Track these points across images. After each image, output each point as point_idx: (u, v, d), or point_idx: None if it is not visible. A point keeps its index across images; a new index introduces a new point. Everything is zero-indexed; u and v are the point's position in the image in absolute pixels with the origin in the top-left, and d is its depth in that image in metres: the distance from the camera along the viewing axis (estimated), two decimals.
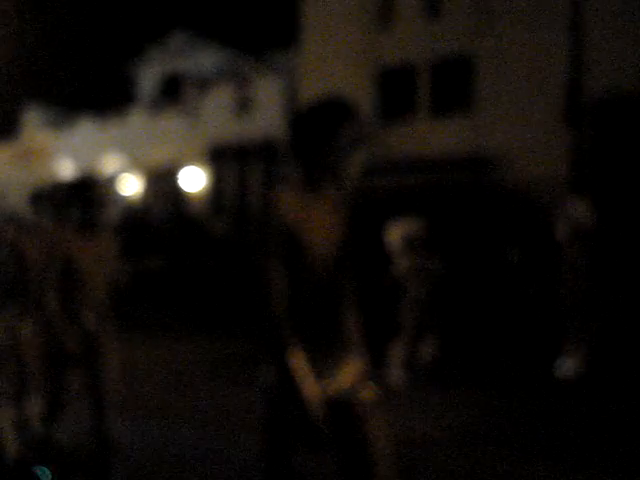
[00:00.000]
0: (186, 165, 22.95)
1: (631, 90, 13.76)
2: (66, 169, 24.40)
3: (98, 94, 29.18)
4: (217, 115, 22.13)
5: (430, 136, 16.26)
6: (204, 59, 25.89)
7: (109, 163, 25.57)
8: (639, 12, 13.94)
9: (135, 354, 8.34)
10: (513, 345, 9.14)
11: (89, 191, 3.99)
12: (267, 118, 20.67)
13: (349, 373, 2.59)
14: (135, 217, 21.11)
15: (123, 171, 25.06)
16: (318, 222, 2.59)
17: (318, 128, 2.60)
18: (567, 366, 7.42)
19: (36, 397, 4.75)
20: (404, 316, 7.71)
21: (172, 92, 25.07)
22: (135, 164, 24.24)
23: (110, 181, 25.41)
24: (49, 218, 6.95)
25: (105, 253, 4.12)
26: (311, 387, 2.44)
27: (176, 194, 23.69)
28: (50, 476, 4.55)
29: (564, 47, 14.31)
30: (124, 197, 23.76)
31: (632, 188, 13.56)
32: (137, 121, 25.00)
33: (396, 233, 7.76)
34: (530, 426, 5.89)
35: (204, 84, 23.09)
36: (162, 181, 24.25)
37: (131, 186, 24.69)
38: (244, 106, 21.65)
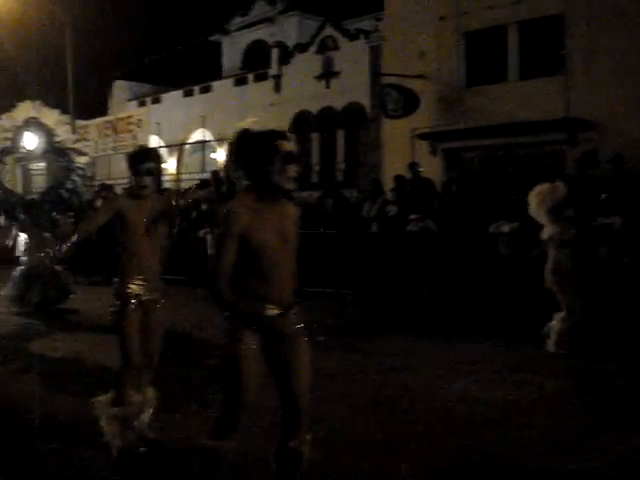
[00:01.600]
0: None
1: None
2: (153, 141, 24.81)
3: (183, 67, 29.55)
4: (303, 83, 22.09)
5: (520, 98, 15.84)
6: (288, 28, 25.90)
7: (195, 135, 25.93)
8: None
9: None
10: None
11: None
12: (352, 84, 20.54)
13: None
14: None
15: (209, 142, 25.37)
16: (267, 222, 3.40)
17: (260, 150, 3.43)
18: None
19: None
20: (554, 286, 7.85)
21: (257, 62, 25.17)
22: (221, 135, 24.48)
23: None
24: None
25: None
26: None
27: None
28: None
29: None
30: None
31: None
32: (223, 91, 25.22)
33: (539, 198, 7.76)
34: None
35: (289, 53, 23.06)
36: None
37: (217, 156, 24.97)
38: (328, 73, 21.56)
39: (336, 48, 21.56)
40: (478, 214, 11.87)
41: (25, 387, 6.52)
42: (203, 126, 25.53)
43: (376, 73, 19.44)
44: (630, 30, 14.41)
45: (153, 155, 5.34)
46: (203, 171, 24.83)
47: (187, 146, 25.83)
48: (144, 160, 4.94)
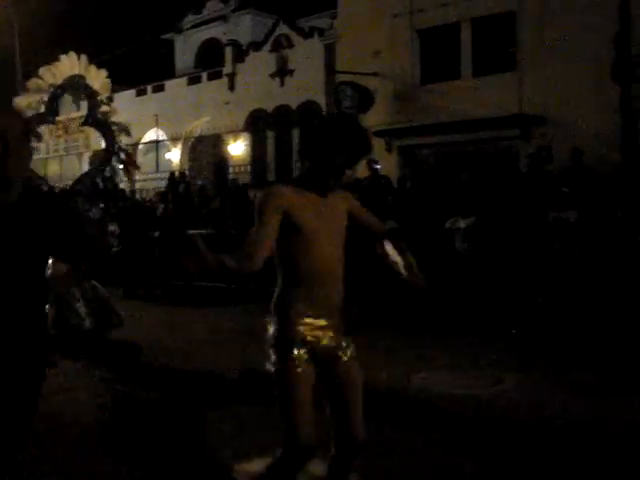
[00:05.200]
0: (227, 132, 22.96)
1: None
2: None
3: (136, 66, 29.23)
4: (257, 81, 22.01)
5: (474, 95, 15.97)
6: (242, 26, 25.80)
7: (149, 134, 25.68)
8: None
9: None
10: None
11: None
12: (307, 82, 20.53)
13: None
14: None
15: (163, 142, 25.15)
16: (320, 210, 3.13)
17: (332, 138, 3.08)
18: None
19: None
20: None
21: (211, 61, 25.03)
22: (175, 134, 24.29)
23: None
24: None
25: None
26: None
27: (217, 162, 23.75)
28: None
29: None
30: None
31: None
32: (176, 90, 25.02)
33: None
34: None
35: (243, 51, 22.98)
36: (203, 149, 24.31)
37: (172, 155, 24.77)
38: (283, 71, 21.53)
39: (290, 46, 21.54)
40: (434, 210, 11.94)
41: None
42: (157, 125, 25.29)
43: (331, 71, 19.45)
44: (581, 26, 14.60)
45: None
46: (157, 171, 24.63)
47: (140, 146, 25.55)
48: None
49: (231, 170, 23.24)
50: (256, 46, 22.66)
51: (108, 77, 10.18)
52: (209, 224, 14.18)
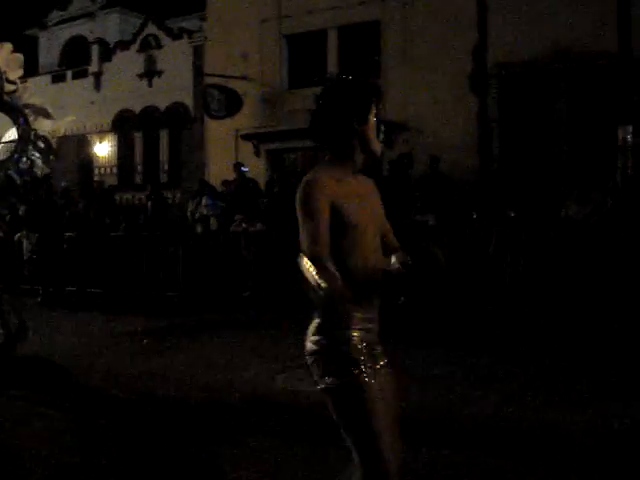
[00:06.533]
0: (93, 132, 22.45)
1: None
2: None
3: None
4: (124, 81, 21.63)
5: None
6: (109, 24, 25.27)
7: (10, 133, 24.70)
8: None
9: None
10: None
11: None
12: (176, 84, 20.38)
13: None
14: None
15: None
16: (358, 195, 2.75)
17: (355, 108, 2.73)
18: None
19: None
20: None
21: (76, 59, 24.39)
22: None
23: None
24: None
25: None
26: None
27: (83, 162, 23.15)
28: None
29: (472, 13, 14.72)
30: None
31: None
32: (39, 88, 24.20)
33: None
34: None
35: (110, 50, 22.53)
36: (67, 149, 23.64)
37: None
38: (151, 72, 21.26)
39: (159, 47, 21.29)
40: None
41: None
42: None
43: (199, 73, 19.39)
44: (442, 36, 15.19)
45: None
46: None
47: (0, 145, 24.52)
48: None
49: (97, 172, 22.73)
50: (123, 45, 22.26)
51: (16, 52, 8.50)
52: (73, 227, 13.87)
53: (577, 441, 4.83)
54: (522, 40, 14.13)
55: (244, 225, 12.57)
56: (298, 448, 4.87)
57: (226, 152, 17.55)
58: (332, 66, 17.23)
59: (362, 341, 2.69)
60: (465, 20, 14.90)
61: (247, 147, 17.85)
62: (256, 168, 16.45)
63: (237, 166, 14.28)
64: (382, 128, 2.81)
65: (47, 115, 8.52)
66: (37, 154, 8.30)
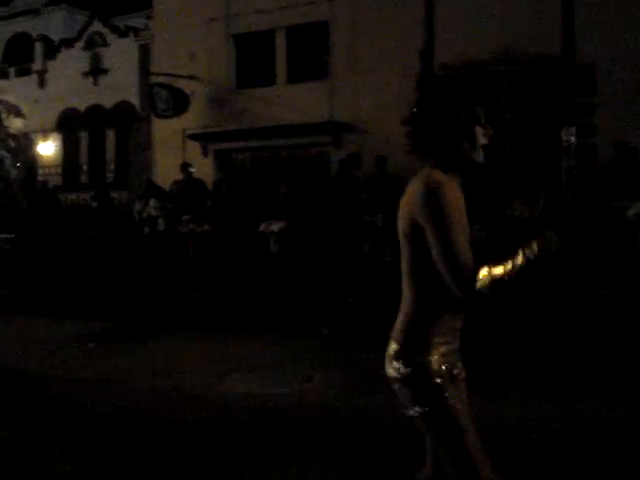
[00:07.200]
0: (37, 131, 22.05)
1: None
2: None
3: None
4: (69, 79, 21.29)
5: (288, 101, 16.30)
6: (54, 21, 24.87)
7: None
8: None
9: None
10: None
11: None
12: (122, 82, 20.14)
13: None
14: None
15: None
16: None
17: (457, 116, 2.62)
18: None
19: None
20: None
21: (20, 56, 23.93)
22: None
23: None
24: None
25: None
26: None
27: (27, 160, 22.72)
28: None
29: (420, 14, 14.83)
30: None
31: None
32: None
33: None
34: None
35: (54, 47, 22.16)
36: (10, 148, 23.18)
37: None
38: (96, 70, 20.97)
39: (105, 44, 21.00)
40: (248, 214, 12.13)
41: None
42: None
43: (146, 72, 19.18)
44: (390, 37, 15.25)
45: None
46: None
47: None
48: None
49: (40, 171, 22.32)
50: (68, 43, 21.89)
51: None
52: (15, 227, 13.61)
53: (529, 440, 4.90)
54: (468, 42, 14.28)
55: (191, 226, 12.48)
56: (244, 452, 4.85)
57: (173, 152, 17.38)
58: (280, 66, 17.20)
59: (442, 364, 2.58)
60: (412, 22, 14.99)
61: (194, 147, 17.71)
62: (204, 168, 16.33)
63: (184, 166, 14.18)
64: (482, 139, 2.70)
65: (18, 113, 7.96)
66: (7, 153, 7.54)
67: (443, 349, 2.58)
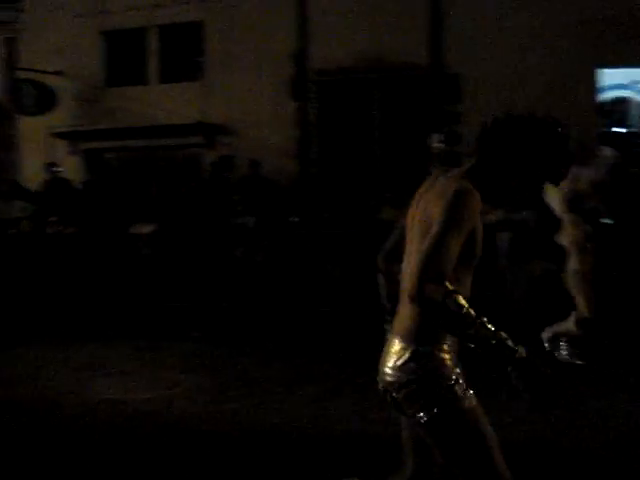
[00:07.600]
0: None
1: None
2: None
3: None
4: None
5: (160, 101, 16.07)
6: None
7: None
8: None
9: None
10: None
11: None
12: None
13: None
14: None
15: None
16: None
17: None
18: None
19: None
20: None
21: None
22: None
23: None
24: None
25: None
26: None
27: None
28: None
29: (293, 18, 14.94)
30: None
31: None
32: None
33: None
34: None
35: None
36: None
37: None
38: None
39: None
40: (118, 215, 11.88)
41: None
42: None
43: (11, 67, 18.42)
44: (264, 40, 15.21)
45: None
46: None
47: None
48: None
49: None
50: None
51: None
52: None
53: None
54: (340, 48, 14.49)
55: (59, 227, 12.11)
56: (102, 460, 4.75)
57: (40, 151, 16.75)
58: (152, 65, 16.93)
59: (455, 365, 2.50)
60: (286, 25, 15.08)
61: (62, 146, 17.16)
62: (72, 168, 15.86)
63: (48, 166, 13.77)
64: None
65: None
66: None
67: (452, 348, 2.51)
